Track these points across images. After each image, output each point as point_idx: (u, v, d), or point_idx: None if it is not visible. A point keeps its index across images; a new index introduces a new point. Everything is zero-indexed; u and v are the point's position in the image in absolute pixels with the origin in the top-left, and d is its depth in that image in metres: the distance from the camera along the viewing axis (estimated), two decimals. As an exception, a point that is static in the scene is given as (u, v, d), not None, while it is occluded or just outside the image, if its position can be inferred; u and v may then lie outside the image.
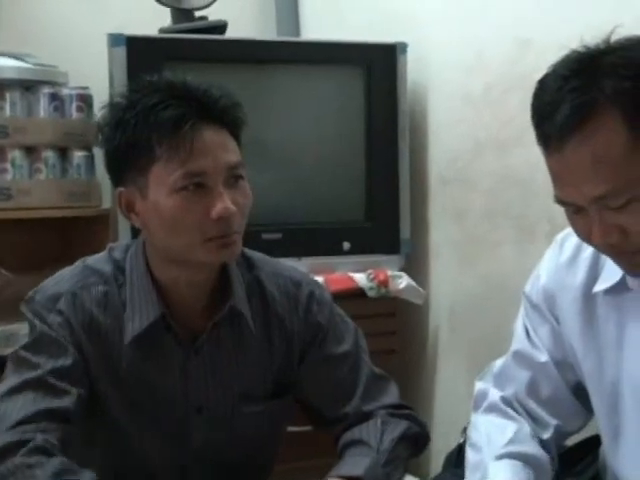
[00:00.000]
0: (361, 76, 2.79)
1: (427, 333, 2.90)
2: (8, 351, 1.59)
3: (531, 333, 1.53)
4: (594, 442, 1.55)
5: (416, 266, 2.87)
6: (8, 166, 2.67)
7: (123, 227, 2.45)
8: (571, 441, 1.60)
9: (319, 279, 1.82)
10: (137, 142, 1.44)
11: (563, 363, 1.50)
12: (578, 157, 1.20)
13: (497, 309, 2.51)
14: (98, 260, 1.58)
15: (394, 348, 2.77)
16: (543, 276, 1.50)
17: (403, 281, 2.76)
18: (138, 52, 2.55)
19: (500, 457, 1.44)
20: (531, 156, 2.00)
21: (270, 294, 1.61)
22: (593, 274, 1.43)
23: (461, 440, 1.60)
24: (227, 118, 1.48)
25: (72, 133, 2.76)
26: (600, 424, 1.47)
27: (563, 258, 1.48)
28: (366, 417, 1.60)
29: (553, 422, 1.51)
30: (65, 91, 2.78)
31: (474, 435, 1.52)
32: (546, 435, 1.51)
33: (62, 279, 1.55)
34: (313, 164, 2.79)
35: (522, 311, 1.56)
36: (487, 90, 2.57)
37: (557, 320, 1.49)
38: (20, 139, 2.68)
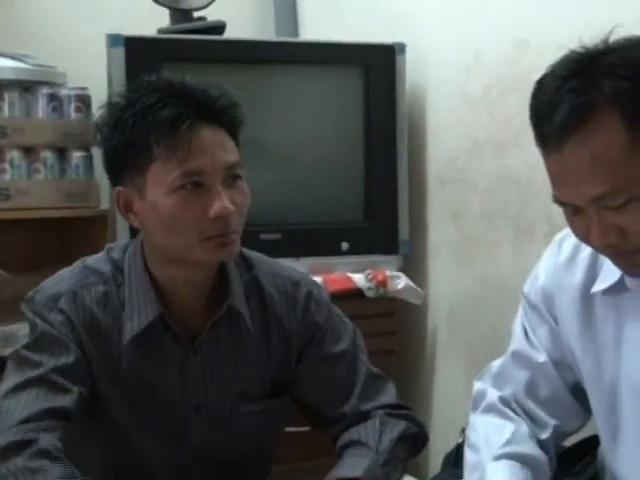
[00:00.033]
0: (360, 76, 2.79)
1: (425, 333, 2.90)
2: (7, 351, 1.59)
3: (529, 333, 1.53)
4: (592, 442, 1.55)
5: (414, 266, 2.87)
6: (7, 166, 2.67)
7: (121, 227, 2.45)
8: (570, 441, 1.60)
9: (317, 279, 1.83)
10: (135, 142, 1.44)
11: (561, 363, 1.50)
12: (577, 157, 1.20)
13: (496, 309, 2.51)
14: (97, 260, 1.58)
15: (393, 348, 2.77)
16: (541, 276, 1.50)
17: (401, 281, 2.76)
18: (136, 52, 2.55)
19: (498, 458, 1.44)
20: (530, 156, 2.00)
21: (268, 294, 1.61)
22: (591, 274, 1.43)
23: (460, 440, 1.60)
24: (225, 118, 1.48)
25: (70, 133, 2.76)
26: (598, 424, 1.47)
27: (561, 258, 1.48)
28: (364, 416, 1.60)
29: (552, 422, 1.51)
30: (63, 92, 2.78)
31: (472, 435, 1.52)
32: (544, 435, 1.51)
33: (62, 279, 1.55)
34: (312, 164, 2.79)
35: (520, 311, 1.56)
36: (486, 91, 2.57)
37: (555, 320, 1.49)
38: (18, 139, 2.68)
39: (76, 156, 2.78)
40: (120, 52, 2.54)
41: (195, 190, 1.43)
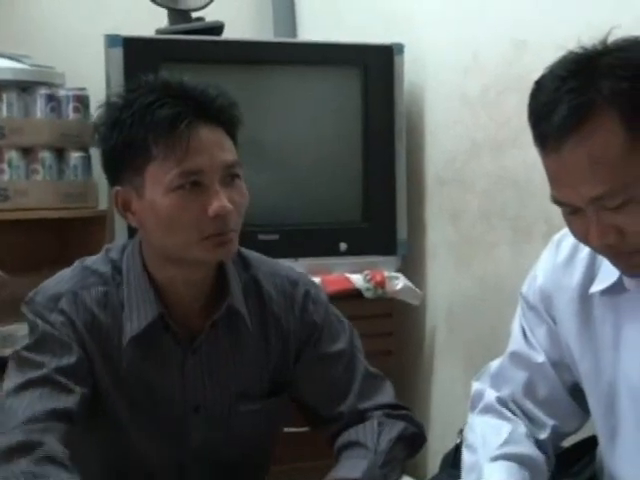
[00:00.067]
0: (358, 77, 2.79)
1: (424, 334, 2.90)
2: (6, 352, 1.59)
3: (528, 334, 1.53)
4: (591, 443, 1.55)
5: (413, 267, 2.87)
6: (5, 167, 2.67)
7: (119, 228, 2.46)
8: (568, 442, 1.60)
9: (316, 280, 1.83)
10: (133, 141, 1.44)
11: (560, 364, 1.50)
12: (575, 158, 1.20)
13: (494, 310, 2.51)
14: (96, 261, 1.58)
15: (391, 349, 2.77)
16: (540, 277, 1.50)
17: (400, 282, 2.76)
18: (135, 53, 2.55)
19: (495, 458, 1.44)
20: (528, 157, 2.01)
21: (267, 293, 1.61)
22: (590, 275, 1.43)
23: (458, 441, 1.60)
24: (223, 117, 1.48)
25: (69, 134, 2.76)
26: (597, 425, 1.47)
27: (560, 259, 1.48)
28: (361, 416, 1.61)
29: (550, 422, 1.51)
30: (62, 92, 2.78)
31: (470, 436, 1.52)
32: (543, 435, 1.51)
33: (62, 280, 1.55)
34: (310, 165, 2.78)
35: (519, 312, 1.56)
36: (484, 91, 2.57)
37: (554, 320, 1.49)
38: (17, 140, 2.68)
39: (74, 156, 2.78)
40: (118, 52, 2.54)
41: (193, 189, 1.43)
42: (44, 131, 2.72)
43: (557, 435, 1.53)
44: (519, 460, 1.44)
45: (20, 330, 1.59)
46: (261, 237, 2.61)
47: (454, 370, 2.75)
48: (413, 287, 2.78)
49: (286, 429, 1.74)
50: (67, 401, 1.45)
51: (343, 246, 2.75)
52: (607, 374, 1.41)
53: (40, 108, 2.73)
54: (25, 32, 3.02)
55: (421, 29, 2.82)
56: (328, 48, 2.80)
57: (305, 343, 1.63)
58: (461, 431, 1.59)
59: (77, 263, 1.59)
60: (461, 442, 1.56)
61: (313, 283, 1.69)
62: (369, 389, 1.64)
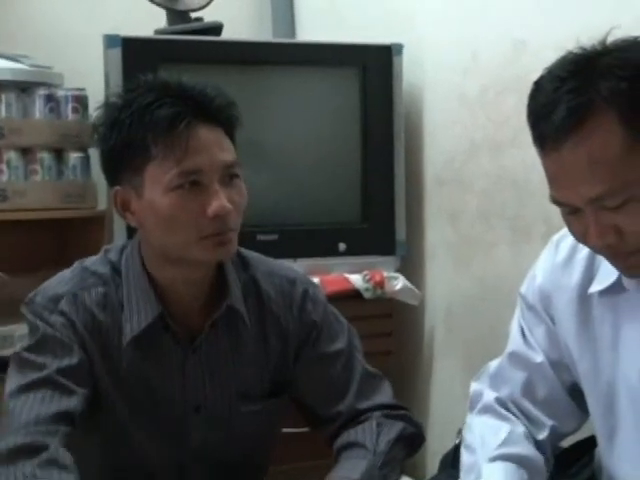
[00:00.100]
0: (357, 77, 2.79)
1: (423, 334, 2.90)
2: (5, 352, 1.59)
3: (527, 334, 1.53)
4: (590, 443, 1.55)
5: (412, 267, 2.87)
6: (4, 167, 2.67)
7: (119, 228, 2.46)
8: (567, 442, 1.60)
9: (315, 280, 1.83)
10: (132, 141, 1.44)
11: (559, 364, 1.50)
12: (574, 158, 1.20)
13: (493, 310, 2.51)
14: (95, 262, 1.58)
15: (390, 349, 2.77)
16: (539, 277, 1.50)
17: (399, 282, 2.76)
18: (134, 53, 2.55)
19: (493, 459, 1.44)
20: (527, 157, 2.01)
21: (266, 293, 1.61)
22: (589, 275, 1.43)
23: (457, 441, 1.60)
24: (222, 117, 1.48)
25: (68, 134, 2.75)
26: (596, 425, 1.47)
27: (559, 259, 1.48)
28: (360, 415, 1.61)
29: (549, 423, 1.51)
30: (61, 92, 2.78)
31: (469, 436, 1.52)
32: (542, 436, 1.51)
33: (61, 281, 1.55)
34: (309, 165, 2.78)
35: (518, 312, 1.56)
36: (483, 91, 2.57)
37: (553, 321, 1.49)
38: (16, 140, 2.68)
39: (73, 157, 2.78)
40: (117, 53, 2.54)
41: (193, 189, 1.43)
42: (43, 131, 2.72)
43: (556, 435, 1.53)
44: (517, 460, 1.44)
45: (19, 330, 1.59)
46: (260, 237, 2.61)
47: (453, 370, 2.75)
48: (412, 287, 2.78)
49: (286, 429, 1.74)
50: (69, 403, 1.45)
51: (342, 246, 2.75)
52: (606, 374, 1.41)
53: (39, 108, 2.72)
54: (24, 32, 3.02)
55: (420, 29, 2.82)
56: (327, 48, 2.80)
57: (304, 342, 1.63)
58: (460, 431, 1.58)
59: (76, 264, 1.59)
60: (460, 442, 1.56)
61: (311, 282, 1.69)
62: (367, 389, 1.64)
